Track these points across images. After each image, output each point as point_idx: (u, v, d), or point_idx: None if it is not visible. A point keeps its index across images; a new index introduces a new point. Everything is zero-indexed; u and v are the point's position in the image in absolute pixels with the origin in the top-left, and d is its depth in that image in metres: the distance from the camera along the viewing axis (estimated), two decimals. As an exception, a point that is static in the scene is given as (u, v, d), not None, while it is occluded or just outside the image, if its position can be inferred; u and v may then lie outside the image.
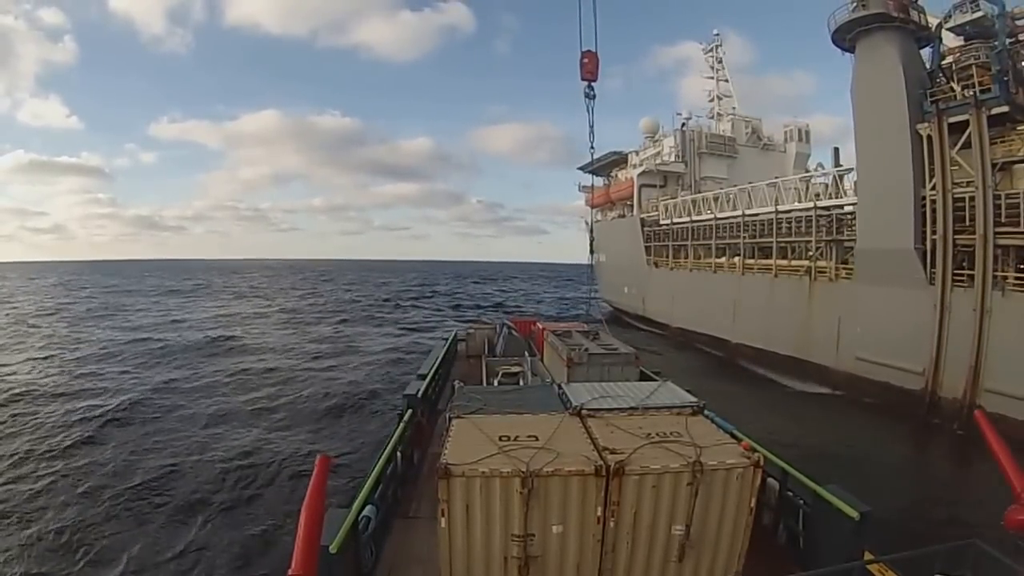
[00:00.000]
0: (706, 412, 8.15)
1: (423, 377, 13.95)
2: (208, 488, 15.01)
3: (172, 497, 14.48)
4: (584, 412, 7.67)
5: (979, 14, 20.55)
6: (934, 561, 5.45)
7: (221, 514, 13.71)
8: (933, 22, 22.35)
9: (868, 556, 6.34)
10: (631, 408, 8.00)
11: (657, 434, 6.67)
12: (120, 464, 16.59)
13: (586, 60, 16.12)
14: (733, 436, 7.37)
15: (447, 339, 21.91)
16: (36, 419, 20.67)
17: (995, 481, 6.51)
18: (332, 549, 5.68)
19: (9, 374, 28.40)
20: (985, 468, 6.32)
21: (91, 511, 13.69)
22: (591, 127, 17.05)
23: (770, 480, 7.96)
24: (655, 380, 11.21)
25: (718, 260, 35.75)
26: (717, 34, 50.02)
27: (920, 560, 5.61)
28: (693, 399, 8.58)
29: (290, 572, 4.48)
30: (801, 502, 7.66)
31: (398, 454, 9.37)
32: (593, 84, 16.62)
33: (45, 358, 32.65)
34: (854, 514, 6.47)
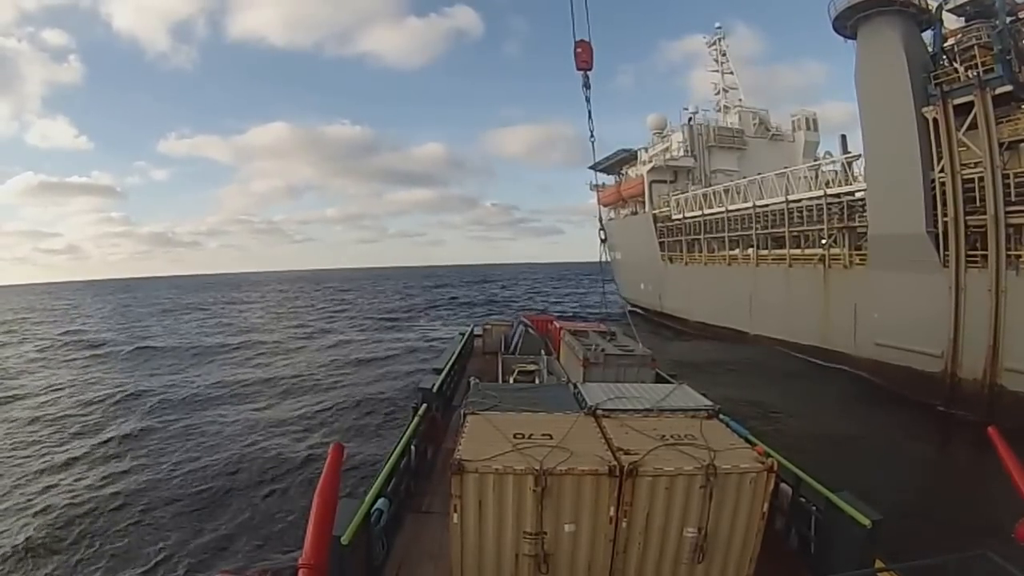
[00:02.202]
0: (721, 416, 8.10)
1: (438, 372, 13.81)
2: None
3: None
4: (599, 412, 7.66)
5: (978, -7, 20.55)
6: (945, 571, 5.34)
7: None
8: (933, 5, 22.23)
9: (879, 564, 6.25)
10: (646, 410, 7.97)
11: (671, 436, 6.62)
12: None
13: (579, 50, 15.44)
14: (747, 441, 7.35)
15: (463, 334, 21.80)
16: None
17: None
18: (344, 540, 5.64)
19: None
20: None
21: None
22: (590, 115, 16.46)
23: (783, 485, 7.83)
24: (671, 382, 11.19)
25: (732, 253, 35.73)
26: (719, 27, 50.19)
27: (931, 570, 5.53)
28: (708, 402, 8.50)
29: (301, 561, 4.37)
30: (813, 508, 7.53)
31: (412, 448, 9.30)
32: (589, 74, 15.92)
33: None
34: (866, 522, 6.37)
